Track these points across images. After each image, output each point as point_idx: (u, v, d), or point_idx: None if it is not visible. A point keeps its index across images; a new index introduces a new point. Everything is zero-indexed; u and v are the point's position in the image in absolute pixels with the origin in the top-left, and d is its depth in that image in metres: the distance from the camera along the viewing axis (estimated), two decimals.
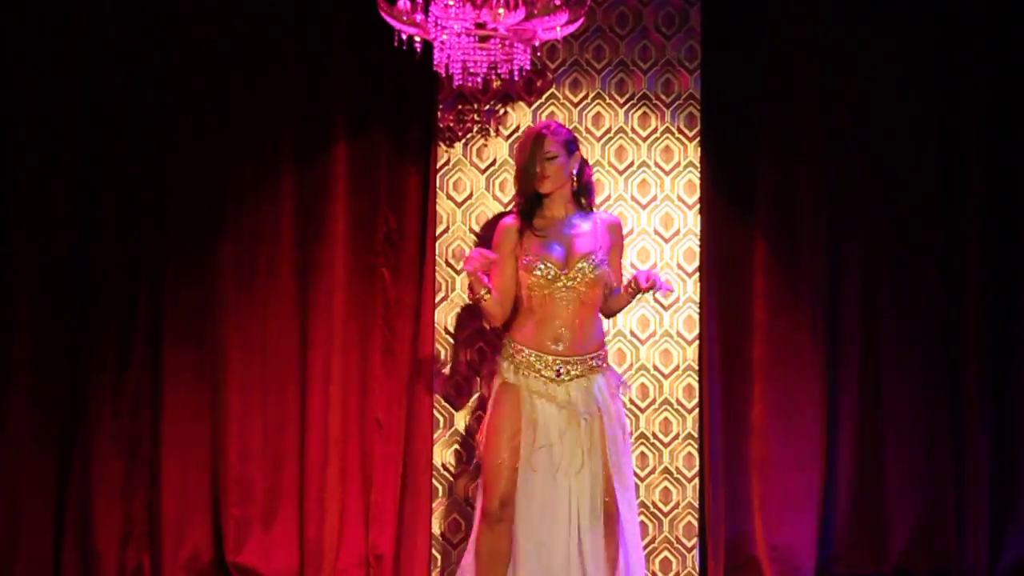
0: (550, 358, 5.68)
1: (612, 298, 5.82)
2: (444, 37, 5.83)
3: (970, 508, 6.80)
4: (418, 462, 6.63)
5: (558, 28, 5.88)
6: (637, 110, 6.66)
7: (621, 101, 6.65)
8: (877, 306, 6.85)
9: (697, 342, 6.64)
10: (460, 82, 6.04)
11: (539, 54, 6.38)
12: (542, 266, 5.68)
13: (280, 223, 6.73)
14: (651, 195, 6.65)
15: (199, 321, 6.70)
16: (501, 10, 5.77)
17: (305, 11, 6.73)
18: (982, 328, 6.83)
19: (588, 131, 6.63)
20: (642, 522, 6.54)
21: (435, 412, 6.60)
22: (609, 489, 5.67)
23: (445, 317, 6.61)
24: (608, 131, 6.65)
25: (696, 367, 6.64)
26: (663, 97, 6.65)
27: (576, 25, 5.96)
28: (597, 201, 6.36)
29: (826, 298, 6.82)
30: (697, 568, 6.60)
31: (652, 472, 6.61)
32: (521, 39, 5.89)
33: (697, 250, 6.65)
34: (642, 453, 6.59)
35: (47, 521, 6.60)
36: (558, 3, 5.81)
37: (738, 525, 6.73)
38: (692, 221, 6.65)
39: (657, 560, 6.59)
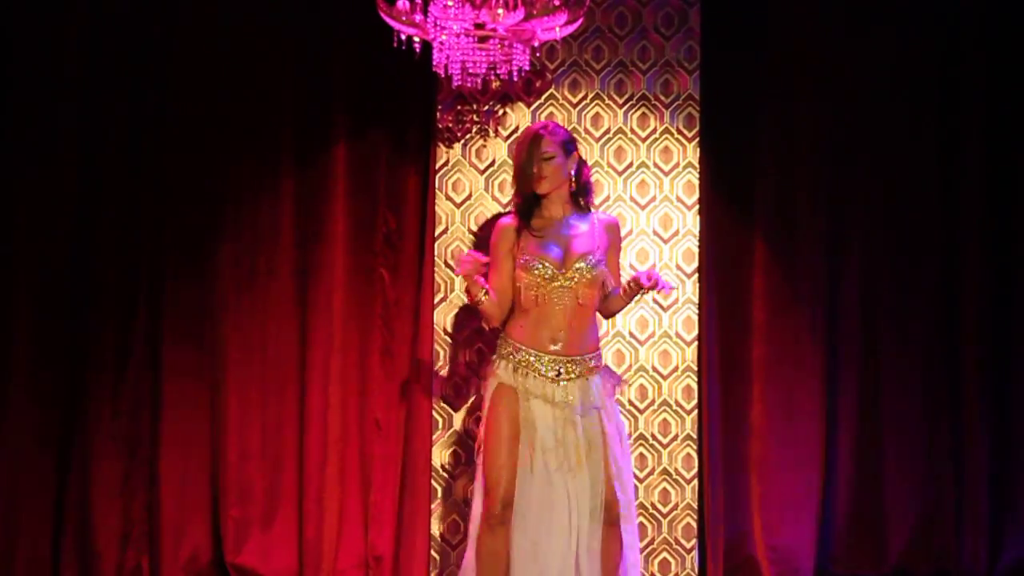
0: (548, 358, 5.68)
1: (610, 299, 5.82)
2: (443, 37, 5.83)
3: (969, 508, 6.80)
4: (417, 463, 6.63)
5: (557, 29, 5.88)
6: (636, 111, 6.66)
7: (620, 102, 6.65)
8: (876, 306, 6.85)
9: (696, 343, 6.64)
10: (459, 82, 6.04)
11: (538, 55, 6.38)
12: (540, 266, 5.68)
13: (279, 223, 6.73)
14: (650, 196, 6.64)
15: (198, 321, 6.70)
16: (500, 11, 5.78)
17: (305, 11, 6.74)
18: (982, 328, 6.83)
19: (587, 132, 6.63)
20: (641, 523, 6.54)
21: (434, 413, 6.60)
22: (611, 489, 5.67)
23: (444, 318, 6.61)
24: (607, 132, 6.64)
25: (695, 368, 6.63)
26: (662, 98, 6.65)
27: (575, 26, 5.96)
28: (596, 202, 6.36)
29: (825, 298, 6.82)
30: (696, 569, 6.60)
31: (651, 473, 6.60)
32: (520, 39, 5.89)
33: (696, 251, 6.65)
34: (641, 454, 6.59)
35: (46, 521, 6.60)
36: (557, 3, 5.81)
37: (737, 526, 6.73)
38: (691, 222, 6.65)
39: (656, 561, 6.59)
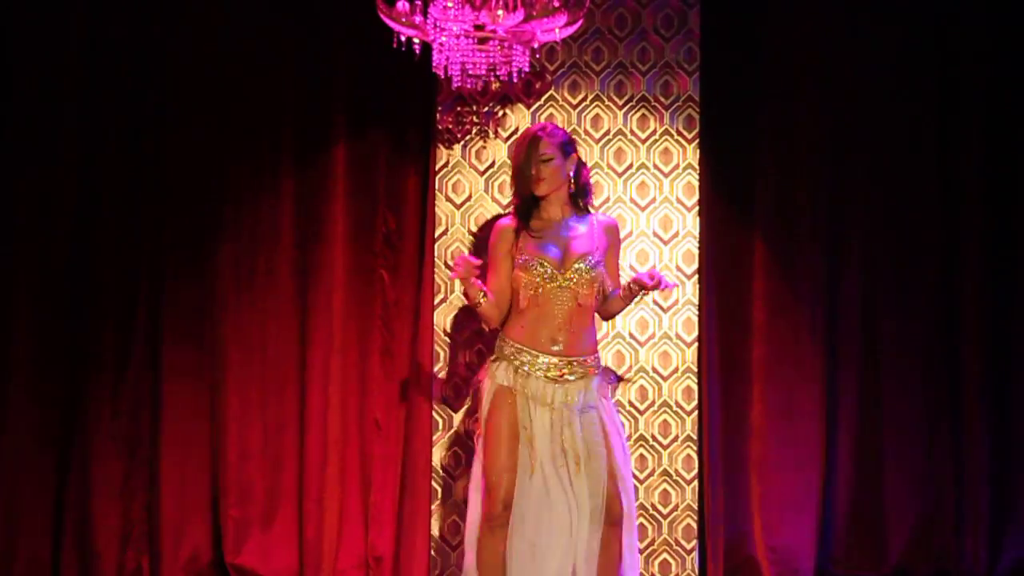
0: (550, 359, 5.67)
1: (610, 301, 5.81)
2: (443, 39, 5.83)
3: (970, 509, 6.80)
4: (417, 463, 6.63)
5: (557, 30, 5.88)
6: (636, 112, 6.65)
7: (620, 103, 6.65)
8: (877, 307, 6.84)
9: (696, 344, 6.64)
10: (459, 84, 6.04)
11: (538, 56, 6.37)
12: (539, 266, 5.67)
13: (279, 223, 6.73)
14: (650, 197, 6.64)
15: (198, 321, 6.71)
16: (500, 12, 5.78)
17: (305, 12, 6.73)
18: (982, 328, 6.83)
19: (587, 133, 6.63)
20: (641, 524, 6.54)
21: (434, 413, 6.60)
22: (613, 488, 5.66)
23: (444, 318, 6.61)
24: (607, 133, 6.64)
25: (695, 369, 6.63)
26: (662, 99, 6.65)
27: (575, 27, 5.96)
28: (596, 203, 6.36)
29: (825, 299, 6.82)
30: (696, 570, 6.60)
31: (651, 474, 6.61)
32: (520, 41, 5.89)
33: (696, 252, 6.65)
34: (641, 455, 6.59)
35: (46, 521, 6.60)
36: (557, 5, 5.81)
37: (737, 526, 6.73)
38: (691, 223, 6.65)
39: (656, 562, 6.59)
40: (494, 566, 5.68)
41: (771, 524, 6.72)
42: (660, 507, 6.61)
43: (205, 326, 6.70)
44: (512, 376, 5.68)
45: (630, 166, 6.64)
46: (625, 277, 5.87)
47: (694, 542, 6.61)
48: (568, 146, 5.77)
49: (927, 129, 6.86)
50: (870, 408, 6.83)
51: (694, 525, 6.62)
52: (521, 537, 5.67)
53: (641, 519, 6.55)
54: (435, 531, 6.60)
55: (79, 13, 6.68)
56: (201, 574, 6.66)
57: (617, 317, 6.21)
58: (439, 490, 6.60)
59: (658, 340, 6.62)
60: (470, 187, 6.64)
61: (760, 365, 6.77)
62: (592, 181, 5.99)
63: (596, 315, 5.80)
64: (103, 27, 6.69)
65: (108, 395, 6.65)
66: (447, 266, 6.58)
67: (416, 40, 5.87)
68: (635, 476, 6.53)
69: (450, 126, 6.63)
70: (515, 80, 6.07)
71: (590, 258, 5.71)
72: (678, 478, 6.62)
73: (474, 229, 6.60)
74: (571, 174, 5.78)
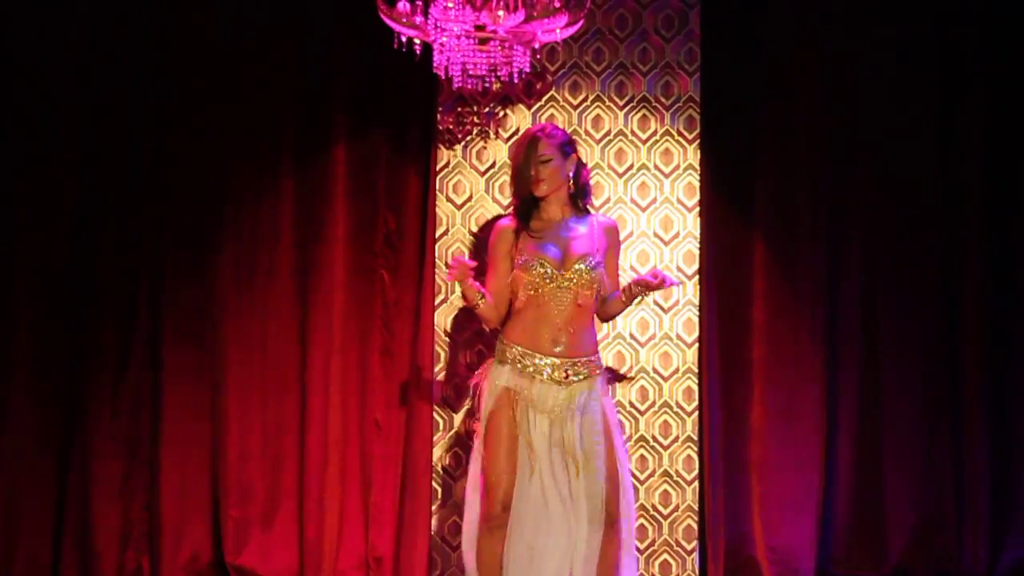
0: (553, 360, 5.67)
1: (608, 302, 5.81)
2: (444, 39, 5.83)
3: (970, 509, 6.80)
4: (417, 464, 6.63)
5: (558, 30, 5.88)
6: (637, 112, 6.65)
7: (621, 103, 6.65)
8: (877, 307, 6.85)
9: (697, 344, 6.64)
10: (460, 84, 6.04)
11: (539, 56, 6.37)
12: (539, 266, 5.67)
13: (280, 224, 6.73)
14: (651, 197, 6.64)
15: (199, 321, 6.71)
16: (501, 12, 5.77)
17: (305, 12, 6.73)
18: (982, 328, 6.83)
19: (588, 133, 6.63)
20: (642, 525, 6.55)
21: (434, 414, 6.60)
22: (612, 488, 5.66)
23: (444, 319, 6.61)
24: (608, 133, 6.64)
25: (696, 369, 6.63)
26: (663, 99, 6.65)
27: (576, 27, 5.96)
28: (597, 204, 6.38)
29: (826, 299, 6.82)
30: (697, 570, 6.60)
31: (652, 475, 6.61)
32: (521, 41, 5.89)
33: (697, 252, 6.65)
34: (642, 456, 6.59)
35: (46, 521, 6.60)
36: (558, 5, 5.81)
37: (738, 527, 6.74)
38: (692, 223, 6.64)
39: (657, 563, 6.59)
40: (492, 567, 5.69)
41: (771, 524, 6.73)
42: (660, 508, 6.61)
43: (205, 326, 6.70)
44: (514, 378, 5.68)
45: (631, 167, 6.64)
46: (625, 278, 5.87)
47: (694, 543, 6.61)
48: (567, 147, 5.77)
49: (927, 129, 6.87)
50: (870, 408, 6.83)
51: (694, 526, 6.62)
52: (519, 539, 5.67)
53: (641, 520, 6.55)
54: (435, 531, 6.60)
55: (79, 13, 6.68)
56: (201, 574, 6.66)
57: (618, 317, 6.21)
58: (439, 490, 6.60)
59: (658, 340, 6.62)
60: (471, 187, 6.64)
61: (760, 365, 6.77)
62: (592, 182, 5.99)
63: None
64: (103, 27, 6.69)
65: (108, 395, 6.65)
66: (447, 266, 6.58)
67: (417, 40, 5.87)
68: (635, 477, 6.53)
69: (451, 126, 6.63)
70: (516, 81, 6.07)
71: (590, 259, 5.71)
72: (678, 479, 6.62)
73: (475, 229, 6.60)
74: (570, 175, 5.78)
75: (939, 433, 6.84)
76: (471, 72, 5.96)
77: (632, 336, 6.61)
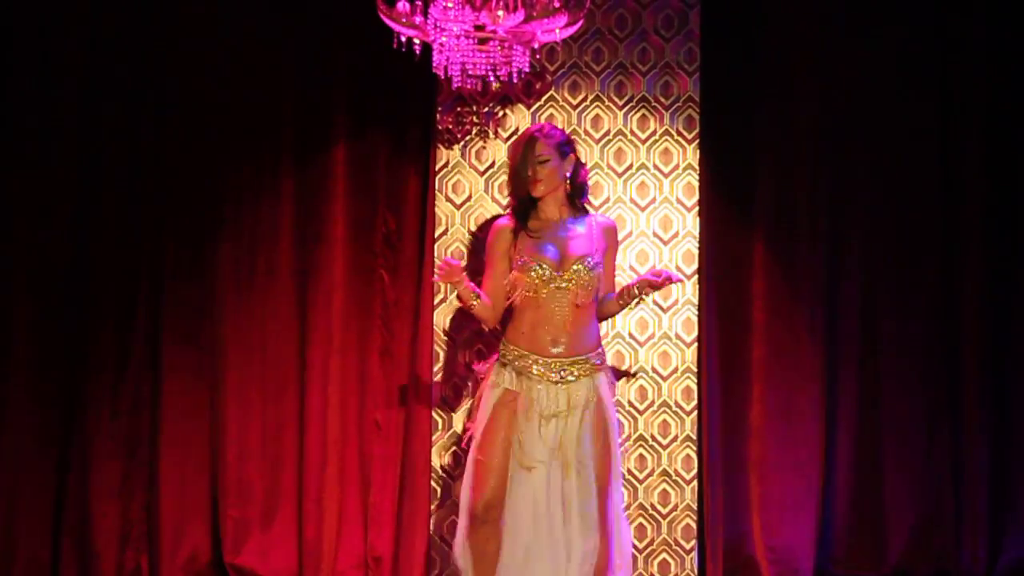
0: (551, 361, 5.67)
1: (605, 303, 5.83)
2: (443, 39, 5.83)
3: (969, 509, 6.80)
4: (416, 463, 6.63)
5: (557, 30, 5.87)
6: (636, 112, 6.65)
7: (620, 103, 6.65)
8: (876, 307, 6.85)
9: (696, 344, 6.64)
10: (459, 84, 6.03)
11: (538, 56, 6.36)
12: (537, 267, 5.67)
13: (279, 224, 6.73)
14: (650, 197, 6.64)
15: (198, 321, 6.71)
16: (500, 12, 5.77)
17: (305, 12, 6.73)
18: (981, 329, 6.83)
19: (587, 133, 6.63)
20: (640, 524, 6.55)
21: (433, 414, 6.60)
22: (601, 489, 5.67)
23: (444, 319, 6.61)
24: (607, 133, 6.64)
25: (695, 369, 6.63)
26: (662, 99, 6.65)
27: (575, 27, 5.96)
28: (596, 204, 6.38)
29: (825, 299, 6.82)
30: (696, 570, 6.60)
31: (651, 474, 6.61)
32: (520, 41, 5.89)
33: (696, 252, 6.64)
34: (641, 455, 6.59)
35: (45, 521, 6.60)
36: (557, 5, 5.81)
37: (737, 527, 6.74)
38: (691, 223, 6.64)
39: (656, 562, 6.59)
40: (480, 562, 5.69)
41: (770, 524, 6.73)
42: (659, 507, 6.61)
43: (205, 326, 6.70)
44: (515, 380, 5.68)
45: (630, 166, 6.64)
46: (625, 278, 5.87)
47: (693, 542, 6.61)
48: (565, 147, 5.77)
49: (927, 129, 6.87)
50: (870, 408, 6.83)
51: (693, 525, 6.62)
52: (513, 540, 5.68)
53: (640, 519, 6.55)
54: (434, 531, 6.60)
55: (79, 12, 6.68)
56: (200, 574, 6.66)
57: (618, 317, 6.22)
58: (439, 490, 6.60)
59: (658, 340, 6.62)
60: (470, 187, 6.64)
61: (760, 365, 6.77)
62: (592, 181, 5.98)
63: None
64: (103, 27, 6.68)
65: (108, 395, 6.65)
66: (437, 267, 6.58)
67: (416, 40, 5.87)
68: (635, 476, 6.54)
69: (450, 126, 6.63)
70: (515, 80, 6.06)
71: (589, 259, 5.71)
72: (677, 478, 6.62)
73: (474, 229, 6.60)
74: (568, 175, 5.78)
75: (938, 433, 6.84)
76: (470, 72, 5.96)
77: (631, 335, 6.61)
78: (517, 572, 5.67)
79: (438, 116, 6.62)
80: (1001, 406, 6.85)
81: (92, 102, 6.67)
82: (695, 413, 6.63)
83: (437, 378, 6.59)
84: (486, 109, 6.62)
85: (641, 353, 6.61)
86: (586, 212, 5.85)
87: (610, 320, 6.26)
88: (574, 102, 6.64)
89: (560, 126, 6.39)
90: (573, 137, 6.17)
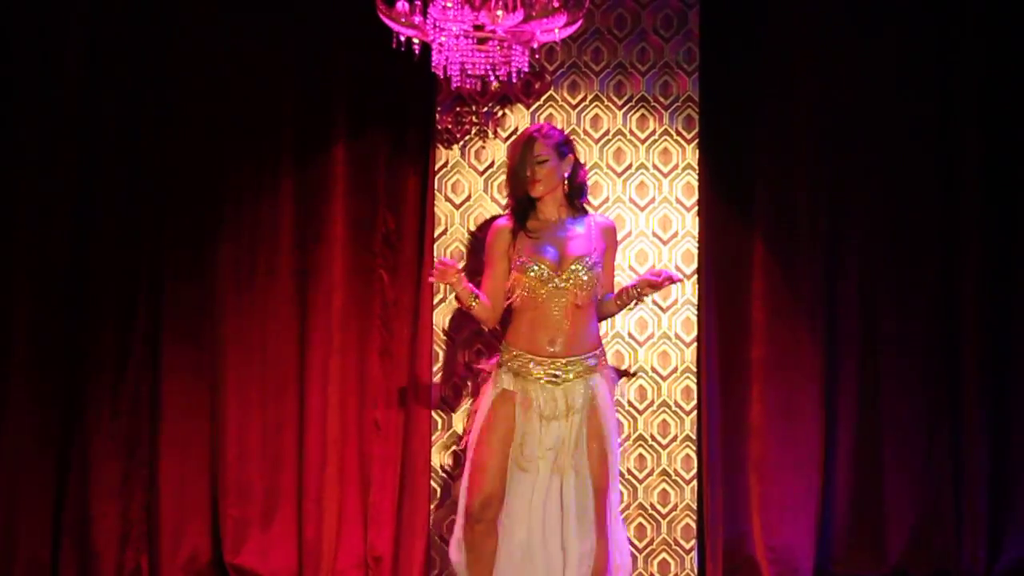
0: (547, 360, 5.67)
1: (603, 304, 5.82)
2: (442, 39, 5.82)
3: (969, 509, 6.80)
4: (416, 463, 6.63)
5: (556, 30, 5.87)
6: (635, 112, 6.65)
7: (619, 103, 6.65)
8: (876, 307, 6.84)
9: (695, 344, 6.64)
10: (458, 84, 6.03)
11: (537, 56, 6.36)
12: (536, 267, 5.67)
13: (279, 224, 6.73)
14: (649, 197, 6.64)
15: (198, 321, 6.71)
16: (499, 12, 5.77)
17: (305, 12, 6.73)
18: (981, 328, 6.83)
19: (586, 133, 6.63)
20: (640, 524, 6.55)
21: (433, 414, 6.60)
22: (598, 491, 5.67)
23: (443, 318, 6.61)
24: (606, 133, 6.64)
25: (694, 369, 6.63)
26: (661, 99, 6.65)
27: (574, 27, 5.95)
28: (596, 204, 6.38)
29: (825, 299, 6.82)
30: (695, 570, 6.60)
31: (650, 474, 6.60)
32: (519, 41, 5.88)
33: (695, 252, 6.64)
34: (640, 455, 6.59)
35: (45, 521, 6.60)
36: (556, 5, 5.80)
37: (736, 526, 6.73)
38: (690, 223, 6.64)
39: (655, 562, 6.59)
40: (477, 561, 5.69)
41: (770, 524, 6.72)
42: (659, 507, 6.61)
43: (205, 326, 6.71)
44: (513, 380, 5.68)
45: (629, 166, 6.64)
46: (624, 278, 5.87)
47: (693, 542, 6.61)
48: (563, 147, 5.76)
49: (927, 129, 6.87)
50: (869, 408, 6.83)
51: (693, 525, 6.62)
52: (510, 540, 5.68)
53: (640, 519, 6.55)
54: (434, 531, 6.60)
55: (79, 13, 6.68)
56: (200, 574, 6.66)
57: (617, 317, 6.22)
58: (438, 490, 6.60)
59: (657, 340, 6.62)
60: (469, 187, 6.64)
61: (759, 365, 6.77)
62: (591, 181, 5.97)
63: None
64: (103, 27, 6.69)
65: (107, 395, 6.65)
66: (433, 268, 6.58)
67: (416, 40, 5.86)
68: (634, 476, 6.54)
69: (449, 126, 6.63)
70: (514, 80, 6.06)
71: (587, 260, 5.70)
72: (677, 478, 6.61)
73: (473, 229, 6.60)
74: (566, 175, 5.78)
75: (938, 433, 6.84)
76: (470, 72, 5.95)
77: (631, 335, 6.61)
78: (514, 572, 5.68)
79: (437, 116, 6.62)
80: (1001, 406, 6.84)
81: (92, 102, 6.67)
82: (695, 413, 6.63)
83: (437, 378, 6.59)
84: (485, 109, 6.63)
85: (641, 353, 6.61)
86: (585, 212, 5.85)
87: (610, 320, 6.26)
88: (573, 102, 6.64)
89: (559, 126, 6.40)
90: (572, 137, 6.17)
